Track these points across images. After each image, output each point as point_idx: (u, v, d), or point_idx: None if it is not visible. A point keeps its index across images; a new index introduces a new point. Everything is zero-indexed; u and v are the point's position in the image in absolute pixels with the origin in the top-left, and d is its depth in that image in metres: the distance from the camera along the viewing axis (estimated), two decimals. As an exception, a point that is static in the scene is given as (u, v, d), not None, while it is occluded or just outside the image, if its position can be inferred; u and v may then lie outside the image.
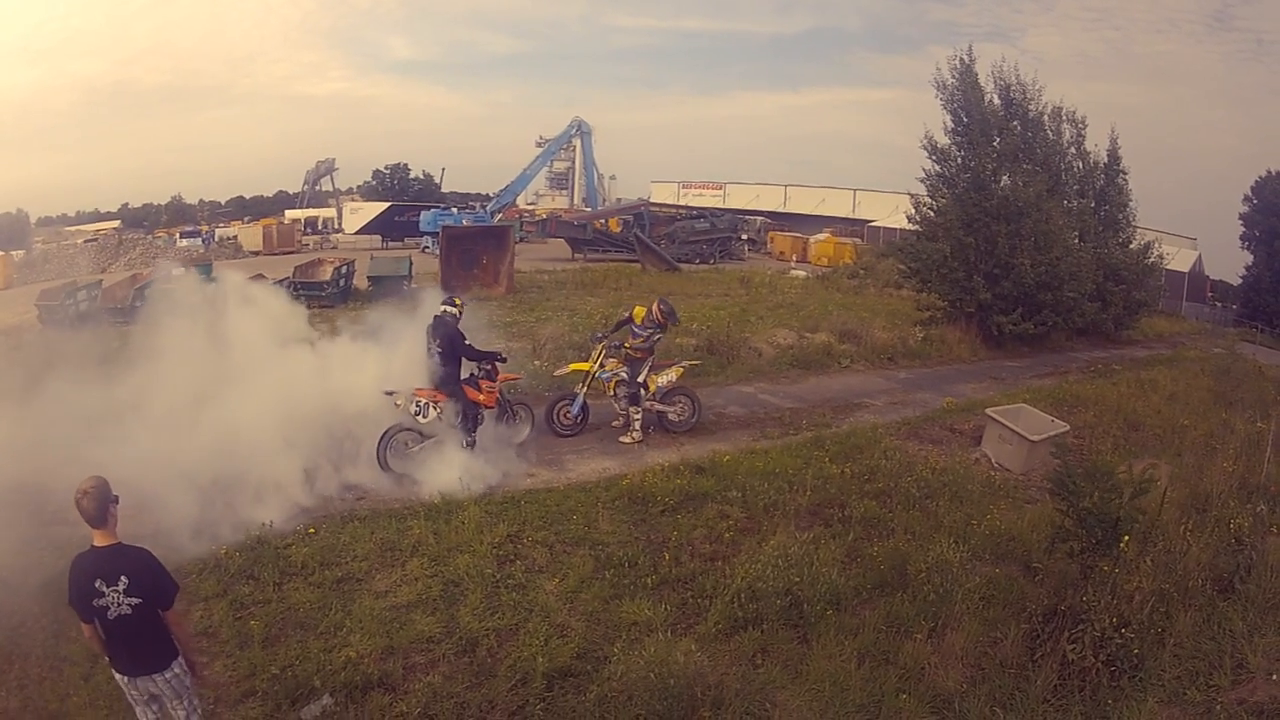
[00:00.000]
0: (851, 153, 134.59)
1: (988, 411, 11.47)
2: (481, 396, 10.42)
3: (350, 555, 7.94)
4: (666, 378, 11.79)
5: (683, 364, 12.35)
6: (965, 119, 19.93)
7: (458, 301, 10.35)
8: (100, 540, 4.52)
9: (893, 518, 8.66)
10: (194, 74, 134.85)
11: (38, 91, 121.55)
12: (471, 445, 10.20)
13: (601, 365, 11.64)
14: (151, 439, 9.01)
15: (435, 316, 10.23)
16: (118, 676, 4.78)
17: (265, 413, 9.60)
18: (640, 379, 11.52)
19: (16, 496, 8.56)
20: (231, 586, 7.40)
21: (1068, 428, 11.16)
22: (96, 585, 4.48)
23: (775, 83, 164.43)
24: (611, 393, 11.73)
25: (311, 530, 8.36)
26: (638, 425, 11.35)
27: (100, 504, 4.44)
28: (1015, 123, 20.25)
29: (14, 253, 43.16)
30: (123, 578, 4.49)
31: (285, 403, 9.75)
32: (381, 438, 9.92)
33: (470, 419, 10.24)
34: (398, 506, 9.09)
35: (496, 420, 10.72)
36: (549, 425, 11.50)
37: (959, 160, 20.14)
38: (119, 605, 4.49)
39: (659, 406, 11.71)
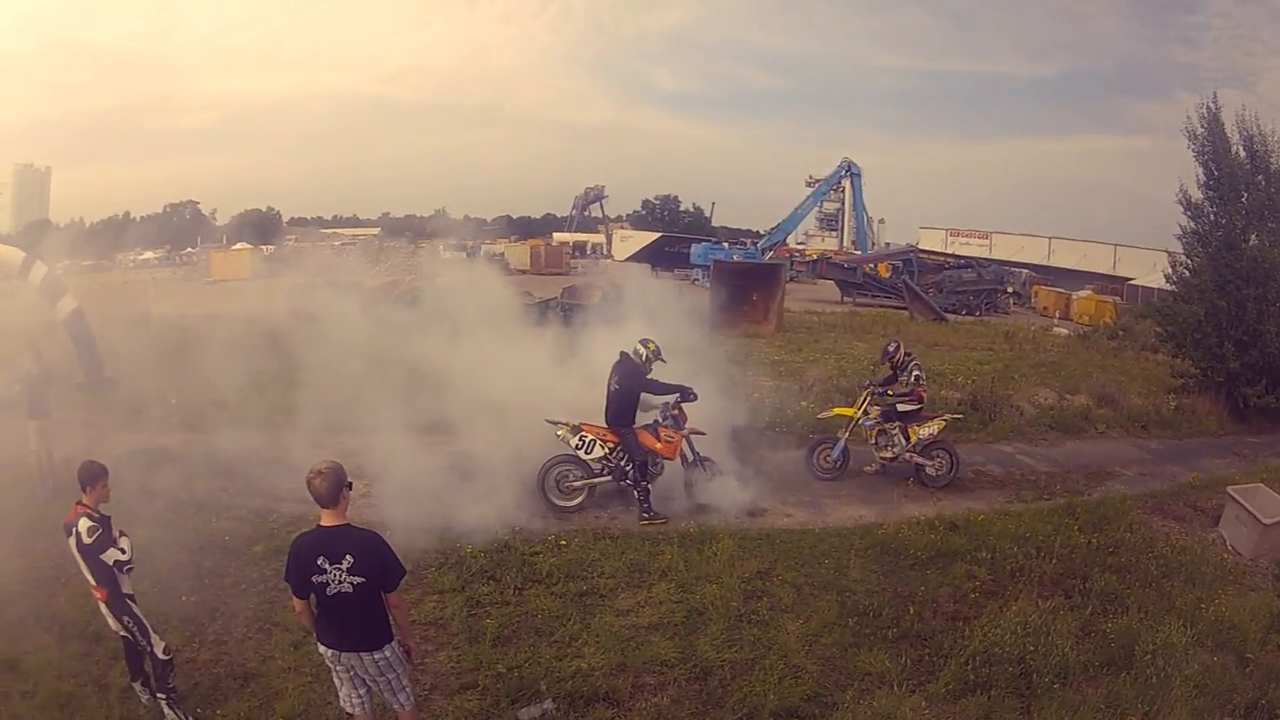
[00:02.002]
0: (1110, 203, 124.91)
1: (1229, 490, 11.04)
2: (659, 445, 9.99)
3: (597, 571, 8.32)
4: (929, 430, 11.97)
5: (945, 417, 12.45)
6: (1215, 171, 18.65)
7: (651, 345, 10.01)
8: (328, 520, 4.65)
9: (1130, 594, 8.49)
10: (455, 94, 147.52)
11: (288, 99, 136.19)
12: (644, 497, 9.75)
13: (865, 412, 12.00)
14: (407, 434, 9.99)
15: (621, 352, 10.00)
16: (324, 649, 4.90)
17: (524, 421, 10.18)
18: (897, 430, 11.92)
19: (257, 468, 9.85)
20: (470, 584, 7.87)
21: (1297, 511, 10.54)
22: (319, 562, 4.59)
23: (1037, 128, 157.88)
24: (872, 441, 12.09)
25: (563, 543, 8.85)
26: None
27: (334, 486, 4.59)
28: (1260, 177, 18.54)
29: (264, 247, 47.26)
30: (348, 557, 4.58)
31: (543, 412, 10.22)
32: (542, 469, 9.89)
33: (640, 468, 9.78)
34: (652, 530, 9.50)
35: (685, 477, 10.40)
36: (808, 467, 11.97)
37: (1211, 217, 18.87)
38: (340, 582, 4.58)
39: (917, 459, 11.85)
